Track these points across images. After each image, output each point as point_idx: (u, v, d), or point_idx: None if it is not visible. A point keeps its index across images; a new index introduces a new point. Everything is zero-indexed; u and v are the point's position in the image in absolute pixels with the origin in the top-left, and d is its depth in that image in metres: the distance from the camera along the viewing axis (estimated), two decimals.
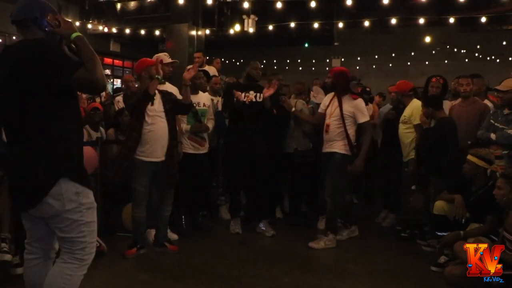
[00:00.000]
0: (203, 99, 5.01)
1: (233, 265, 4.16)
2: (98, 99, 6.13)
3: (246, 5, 9.44)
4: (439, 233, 4.30)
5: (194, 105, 4.72)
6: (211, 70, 6.44)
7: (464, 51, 13.89)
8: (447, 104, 4.96)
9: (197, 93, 4.91)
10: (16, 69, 2.19)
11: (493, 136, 4.28)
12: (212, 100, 5.36)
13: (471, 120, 4.71)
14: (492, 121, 4.41)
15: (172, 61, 4.63)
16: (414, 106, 4.98)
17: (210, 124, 5.09)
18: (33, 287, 2.48)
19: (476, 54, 13.48)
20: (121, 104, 6.02)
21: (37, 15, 2.30)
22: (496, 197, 3.62)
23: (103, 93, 6.42)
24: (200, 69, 5.60)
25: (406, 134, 5.03)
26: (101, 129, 5.43)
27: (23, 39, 2.32)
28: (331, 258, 4.44)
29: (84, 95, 5.91)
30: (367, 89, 6.64)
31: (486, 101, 5.10)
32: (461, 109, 4.87)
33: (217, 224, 5.33)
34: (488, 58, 13.52)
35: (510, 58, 12.65)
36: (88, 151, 4.69)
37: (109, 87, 13.21)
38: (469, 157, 4.08)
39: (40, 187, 2.22)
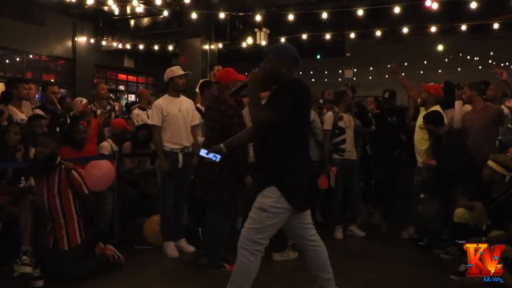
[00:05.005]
0: None
1: None
2: (113, 114, 6.21)
3: (258, 18, 9.54)
4: (459, 241, 4.25)
5: None
6: None
7: (477, 58, 13.79)
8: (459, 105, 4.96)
9: None
10: None
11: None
12: None
13: (485, 125, 4.69)
14: (509, 125, 4.42)
15: (185, 73, 4.69)
16: None
17: None
18: None
19: (490, 61, 13.36)
20: (140, 118, 6.09)
21: None
22: None
23: (117, 107, 6.52)
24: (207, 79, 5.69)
25: (422, 141, 5.00)
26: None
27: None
28: (351, 267, 4.39)
29: (99, 110, 6.01)
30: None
31: (503, 107, 5.07)
32: (473, 115, 4.85)
33: (233, 235, 5.31)
34: (502, 65, 13.39)
35: None
36: (105, 165, 4.74)
37: (123, 102, 13.35)
38: (489, 162, 4.08)
39: None
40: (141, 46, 12.15)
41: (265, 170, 2.94)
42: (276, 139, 2.86)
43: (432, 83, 5.28)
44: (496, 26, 9.25)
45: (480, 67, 13.63)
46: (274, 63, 2.94)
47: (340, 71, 15.51)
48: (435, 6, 7.87)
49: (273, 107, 2.83)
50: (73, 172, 3.92)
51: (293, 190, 2.86)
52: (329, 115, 5.41)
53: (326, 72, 15.20)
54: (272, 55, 2.97)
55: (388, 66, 5.55)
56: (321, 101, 6.95)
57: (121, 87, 15.00)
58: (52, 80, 11.83)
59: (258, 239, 2.87)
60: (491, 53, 13.27)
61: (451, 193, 4.62)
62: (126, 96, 14.86)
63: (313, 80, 15.18)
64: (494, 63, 13.21)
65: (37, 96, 6.63)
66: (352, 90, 6.36)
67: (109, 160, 4.90)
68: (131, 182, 5.44)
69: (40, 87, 7.88)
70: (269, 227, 2.89)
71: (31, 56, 11.46)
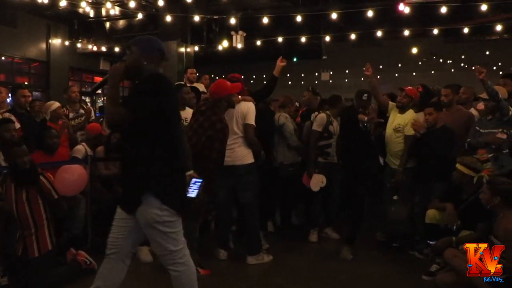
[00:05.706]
0: (190, 115, 5.01)
1: (225, 279, 4.14)
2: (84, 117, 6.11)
3: (234, 21, 9.54)
4: (431, 242, 4.32)
5: (182, 121, 4.71)
6: (200, 87, 6.46)
7: (450, 61, 14.11)
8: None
9: (184, 109, 4.91)
10: None
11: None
12: None
13: (455, 128, 4.78)
14: (477, 127, 4.54)
15: None
16: (410, 117, 4.98)
17: None
18: None
19: (462, 64, 13.69)
20: None
21: None
22: (482, 202, 3.68)
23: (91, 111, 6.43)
24: (190, 85, 5.64)
25: (398, 143, 5.06)
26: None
27: None
28: (325, 269, 4.43)
29: (71, 114, 5.92)
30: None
31: (472, 110, 5.19)
32: (445, 117, 4.94)
33: (207, 239, 5.29)
34: (474, 68, 13.71)
35: (494, 68, 12.83)
36: (78, 169, 4.68)
37: (99, 105, 13.15)
38: (457, 165, 4.17)
39: None
40: (116, 49, 12.00)
41: (137, 178, 2.71)
42: (145, 140, 2.67)
43: (409, 87, 5.34)
44: (466, 30, 9.46)
45: (452, 70, 13.96)
46: (136, 56, 2.76)
47: (316, 74, 15.67)
48: (407, 10, 8.00)
49: (131, 103, 2.65)
50: (41, 177, 3.85)
51: (172, 195, 2.73)
52: (322, 117, 5.31)
53: (302, 75, 15.31)
54: (135, 47, 2.78)
55: (364, 68, 5.53)
56: (297, 104, 6.98)
57: (98, 91, 14.77)
58: (25, 83, 11.58)
59: (173, 248, 2.77)
60: (463, 57, 13.59)
61: (425, 194, 4.69)
62: (102, 99, 14.65)
63: (289, 82, 15.27)
64: (466, 66, 13.56)
65: (8, 99, 6.46)
66: (313, 93, 6.31)
67: (81, 164, 4.84)
68: (106, 185, 5.37)
69: (10, 90, 7.71)
70: (173, 233, 2.78)
71: (3, 58, 11.20)
